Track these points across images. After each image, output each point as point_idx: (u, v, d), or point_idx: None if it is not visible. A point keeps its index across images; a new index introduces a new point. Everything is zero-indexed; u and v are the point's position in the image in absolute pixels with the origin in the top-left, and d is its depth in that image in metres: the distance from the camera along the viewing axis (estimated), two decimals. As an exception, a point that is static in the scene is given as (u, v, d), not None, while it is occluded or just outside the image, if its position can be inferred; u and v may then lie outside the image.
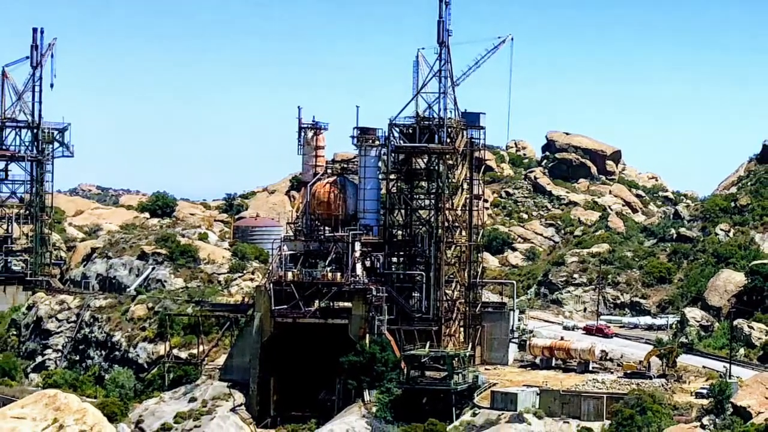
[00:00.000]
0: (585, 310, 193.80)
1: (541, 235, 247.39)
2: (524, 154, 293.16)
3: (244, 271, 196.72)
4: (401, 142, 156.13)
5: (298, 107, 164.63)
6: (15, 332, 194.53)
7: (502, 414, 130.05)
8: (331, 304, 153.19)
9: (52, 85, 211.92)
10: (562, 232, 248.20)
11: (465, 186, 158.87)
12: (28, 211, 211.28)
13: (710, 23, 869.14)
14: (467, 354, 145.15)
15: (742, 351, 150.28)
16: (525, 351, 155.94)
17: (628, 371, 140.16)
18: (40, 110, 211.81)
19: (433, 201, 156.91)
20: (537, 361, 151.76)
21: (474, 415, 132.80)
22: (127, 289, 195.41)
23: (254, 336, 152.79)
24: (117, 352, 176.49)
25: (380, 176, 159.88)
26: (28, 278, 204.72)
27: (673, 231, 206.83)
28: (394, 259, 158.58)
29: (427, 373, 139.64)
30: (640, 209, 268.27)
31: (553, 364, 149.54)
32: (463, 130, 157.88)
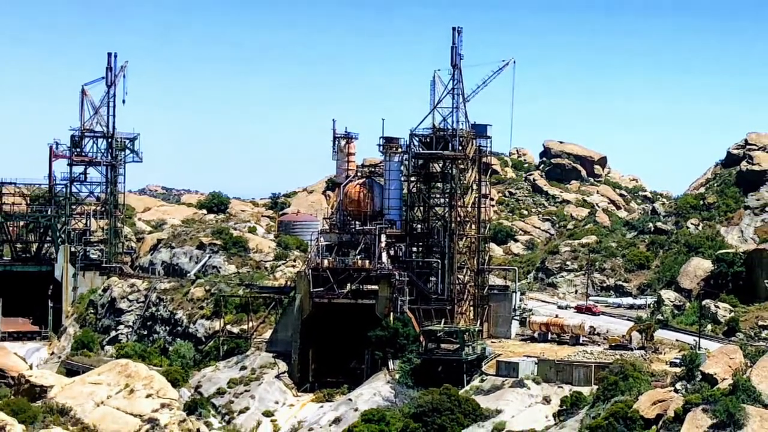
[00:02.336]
0: (576, 291, 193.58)
1: (539, 228, 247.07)
2: (524, 160, 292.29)
3: (287, 259, 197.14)
4: (420, 149, 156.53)
5: (333, 120, 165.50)
6: (93, 311, 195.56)
7: (506, 380, 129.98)
8: (361, 287, 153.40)
9: (124, 101, 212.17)
10: (557, 225, 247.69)
11: (474, 187, 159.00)
12: (103, 208, 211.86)
13: (684, 50, 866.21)
14: (476, 329, 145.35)
15: (709, 327, 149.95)
16: (525, 327, 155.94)
17: (613, 344, 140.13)
18: (113, 122, 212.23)
19: (447, 199, 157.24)
20: (535, 335, 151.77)
21: (482, 381, 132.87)
22: (188, 274, 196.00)
23: (295, 314, 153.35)
24: (179, 328, 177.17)
25: (402, 178, 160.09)
26: (104, 265, 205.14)
27: (650, 225, 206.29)
28: (414, 249, 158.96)
29: (442, 345, 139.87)
30: (623, 206, 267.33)
31: (549, 338, 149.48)
32: (473, 139, 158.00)
